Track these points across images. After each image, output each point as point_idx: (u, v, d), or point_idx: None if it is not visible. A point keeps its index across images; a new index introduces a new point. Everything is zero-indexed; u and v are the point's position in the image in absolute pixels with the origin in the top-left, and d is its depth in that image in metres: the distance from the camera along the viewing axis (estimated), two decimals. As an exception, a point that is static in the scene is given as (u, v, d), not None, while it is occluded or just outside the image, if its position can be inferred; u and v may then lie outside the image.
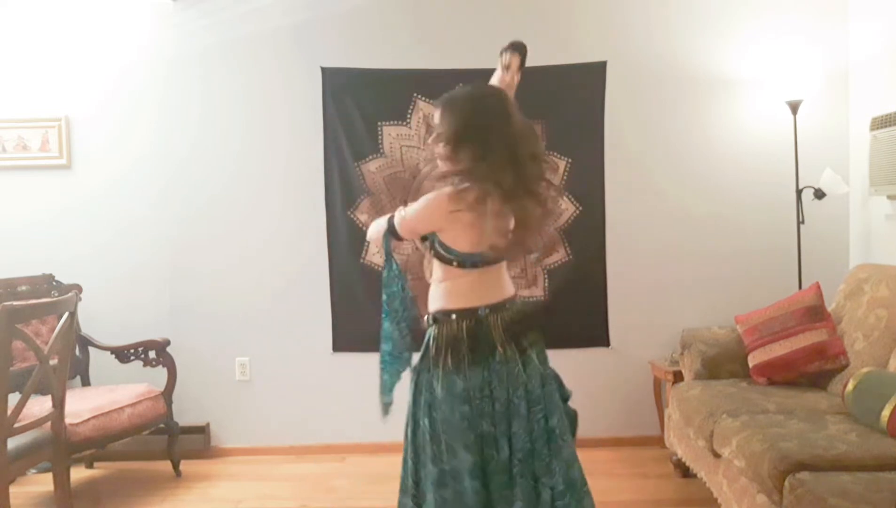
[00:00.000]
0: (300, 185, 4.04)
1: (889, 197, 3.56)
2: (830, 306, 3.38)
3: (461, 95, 2.15)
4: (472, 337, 2.12)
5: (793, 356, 3.21)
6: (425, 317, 2.25)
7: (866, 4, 3.81)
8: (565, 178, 3.99)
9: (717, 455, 2.83)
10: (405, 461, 2.22)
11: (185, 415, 3.95)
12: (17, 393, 2.80)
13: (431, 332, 2.19)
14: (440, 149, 2.12)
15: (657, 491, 3.41)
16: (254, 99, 4.05)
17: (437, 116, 2.14)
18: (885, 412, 2.49)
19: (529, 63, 3.88)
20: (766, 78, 3.87)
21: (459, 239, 2.13)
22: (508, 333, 2.14)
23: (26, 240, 4.03)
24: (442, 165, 2.15)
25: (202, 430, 4.09)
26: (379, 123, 3.97)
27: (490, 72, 3.90)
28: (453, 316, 2.15)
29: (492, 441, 2.09)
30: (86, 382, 3.94)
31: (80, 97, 4.04)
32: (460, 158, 2.08)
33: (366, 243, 4.02)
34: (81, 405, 3.38)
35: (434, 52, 3.98)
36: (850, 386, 2.73)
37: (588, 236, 4.01)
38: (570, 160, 3.99)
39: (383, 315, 2.36)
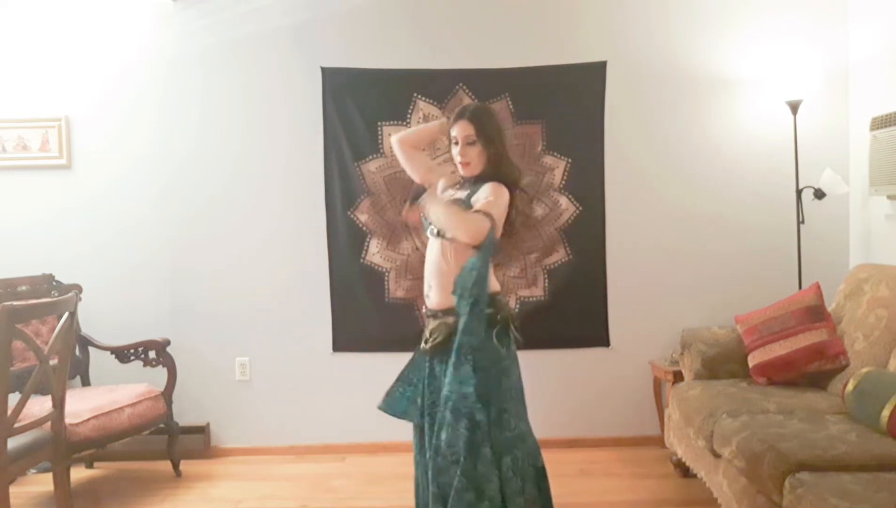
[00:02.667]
0: (300, 185, 4.04)
1: (889, 197, 3.56)
2: (830, 306, 3.38)
3: (486, 107, 2.66)
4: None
5: (793, 356, 3.21)
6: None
7: (866, 4, 3.81)
8: (565, 178, 3.99)
9: (717, 455, 2.83)
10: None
11: (185, 415, 3.95)
12: (17, 393, 2.80)
13: (491, 309, 2.40)
14: (478, 150, 2.48)
15: (657, 491, 3.42)
16: (254, 99, 4.05)
17: (465, 124, 2.49)
18: (885, 412, 2.50)
19: (529, 63, 3.92)
20: (766, 78, 3.87)
21: (499, 230, 2.45)
22: None
23: (26, 240, 4.03)
24: (468, 169, 2.51)
25: (202, 430, 4.09)
26: (379, 123, 3.97)
27: (489, 72, 3.93)
28: (504, 299, 2.57)
29: None
30: (86, 382, 3.94)
31: (80, 97, 4.04)
32: (492, 160, 2.49)
33: (366, 243, 4.02)
34: (81, 405, 3.38)
35: (434, 53, 3.98)
36: (850, 386, 2.73)
37: (588, 236, 4.01)
38: (570, 160, 3.99)
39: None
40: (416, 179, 2.76)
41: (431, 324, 2.51)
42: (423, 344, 2.53)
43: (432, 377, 2.50)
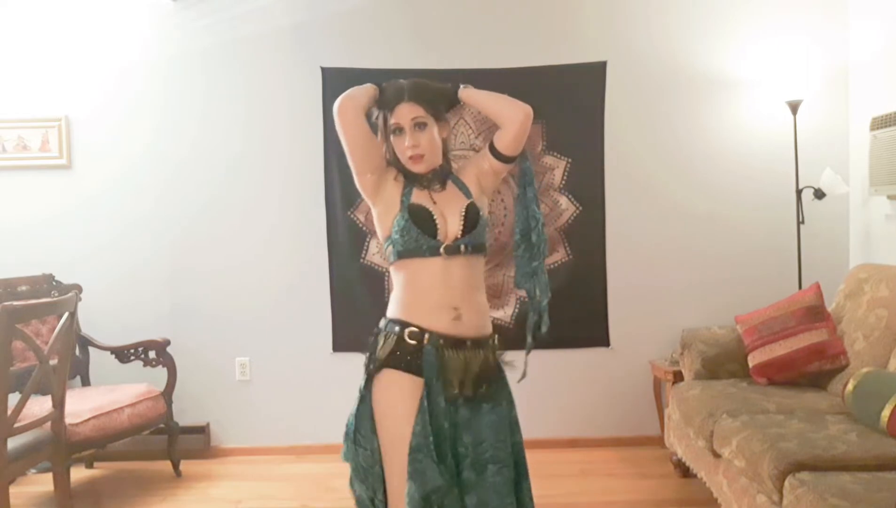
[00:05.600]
0: (300, 185, 4.04)
1: (889, 197, 3.56)
2: (830, 307, 3.38)
3: (423, 81, 2.05)
4: None
5: (793, 356, 3.21)
6: (495, 336, 2.06)
7: (866, 4, 3.81)
8: (565, 178, 3.99)
9: (717, 455, 2.83)
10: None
11: (185, 415, 3.95)
12: (17, 393, 2.80)
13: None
14: (430, 136, 1.99)
15: (657, 491, 3.41)
16: (254, 99, 4.05)
17: (409, 107, 1.96)
18: (885, 412, 2.49)
19: (530, 63, 3.92)
20: (766, 78, 3.87)
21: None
22: None
23: (26, 240, 4.03)
24: (421, 163, 1.99)
25: (202, 430, 4.09)
26: (379, 124, 3.97)
27: (489, 72, 3.93)
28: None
29: None
30: (86, 382, 3.94)
31: (80, 97, 4.04)
32: (446, 148, 2.08)
33: (366, 243, 4.02)
34: (81, 405, 3.38)
35: (434, 53, 3.98)
36: (850, 386, 2.73)
37: (588, 236, 4.01)
38: (570, 160, 3.99)
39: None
40: (367, 168, 2.00)
41: (465, 358, 1.94)
42: (452, 389, 1.94)
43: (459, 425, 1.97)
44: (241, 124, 4.06)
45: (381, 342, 1.98)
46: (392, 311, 2.02)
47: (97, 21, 4.03)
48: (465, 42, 3.99)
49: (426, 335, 1.93)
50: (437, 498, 1.86)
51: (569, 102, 3.95)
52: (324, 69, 3.98)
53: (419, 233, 1.95)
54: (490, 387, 1.99)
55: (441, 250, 1.94)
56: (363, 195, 2.05)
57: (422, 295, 1.97)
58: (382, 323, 2.02)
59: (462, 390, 1.94)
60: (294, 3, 4.02)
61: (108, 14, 4.03)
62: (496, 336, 2.06)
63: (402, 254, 1.97)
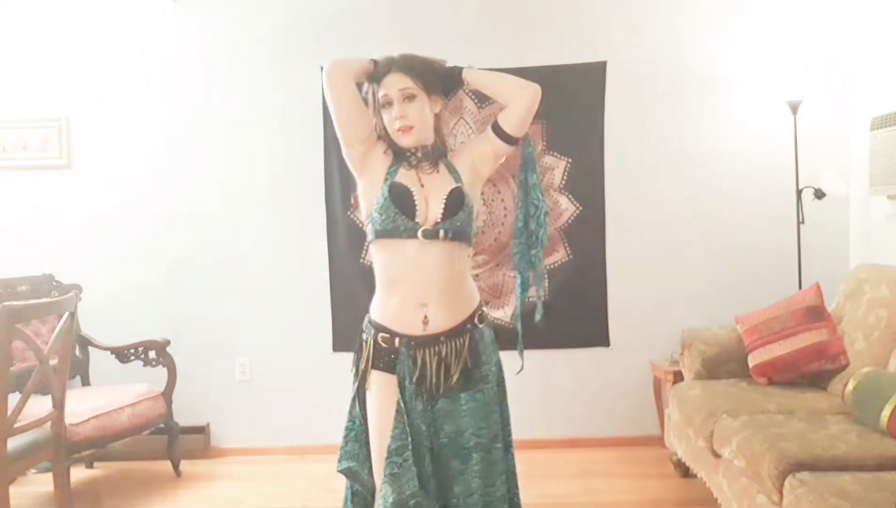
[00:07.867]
0: (300, 185, 4.04)
1: (889, 197, 3.56)
2: (830, 307, 3.38)
3: (416, 55, 2.04)
4: None
5: (793, 356, 3.21)
6: (476, 316, 2.02)
7: (867, 4, 3.81)
8: (565, 178, 3.99)
9: (717, 455, 2.83)
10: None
11: (185, 415, 3.94)
12: (17, 393, 2.80)
13: (490, 333, 2.05)
14: (420, 108, 1.95)
15: (657, 491, 3.41)
16: (254, 99, 4.05)
17: (398, 77, 1.94)
18: (885, 412, 2.49)
19: (530, 63, 3.92)
20: (766, 78, 3.87)
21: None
22: None
23: (26, 240, 4.03)
24: (410, 134, 1.94)
25: (202, 430, 4.10)
26: (379, 123, 3.97)
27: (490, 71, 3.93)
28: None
29: None
30: (86, 382, 3.94)
31: (80, 97, 4.05)
32: (439, 127, 2.07)
33: (366, 244, 4.01)
34: (81, 405, 3.38)
35: (434, 53, 3.93)
36: (850, 386, 2.73)
37: (588, 236, 4.01)
38: (570, 160, 3.99)
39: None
40: (354, 138, 1.96)
41: (428, 354, 1.92)
42: (427, 388, 1.93)
43: (433, 419, 1.97)
44: (240, 124, 4.06)
45: (363, 346, 2.00)
46: (372, 308, 2.02)
47: (97, 21, 4.03)
48: (465, 42, 3.98)
49: (397, 339, 1.94)
50: (415, 504, 1.86)
51: (569, 102, 3.95)
52: (324, 69, 3.97)
53: (397, 213, 1.89)
54: (468, 376, 1.94)
55: (419, 233, 1.89)
56: (350, 167, 2.02)
57: (392, 287, 1.95)
58: (365, 322, 2.03)
59: (436, 391, 1.93)
60: (294, 3, 4.02)
61: (108, 14, 4.03)
62: (480, 314, 2.02)
63: (380, 233, 1.92)
